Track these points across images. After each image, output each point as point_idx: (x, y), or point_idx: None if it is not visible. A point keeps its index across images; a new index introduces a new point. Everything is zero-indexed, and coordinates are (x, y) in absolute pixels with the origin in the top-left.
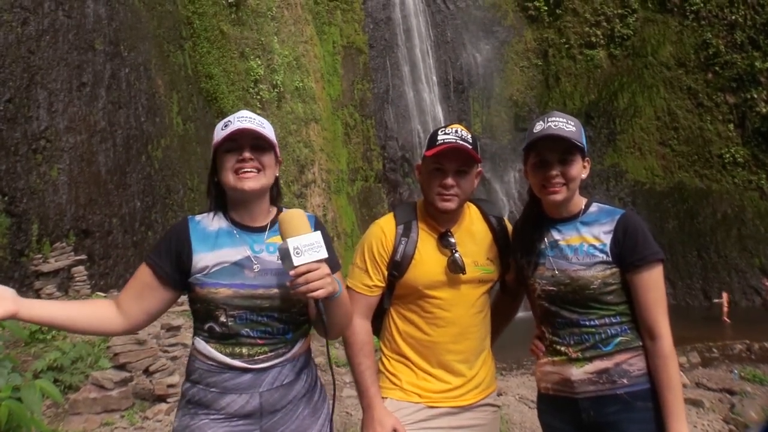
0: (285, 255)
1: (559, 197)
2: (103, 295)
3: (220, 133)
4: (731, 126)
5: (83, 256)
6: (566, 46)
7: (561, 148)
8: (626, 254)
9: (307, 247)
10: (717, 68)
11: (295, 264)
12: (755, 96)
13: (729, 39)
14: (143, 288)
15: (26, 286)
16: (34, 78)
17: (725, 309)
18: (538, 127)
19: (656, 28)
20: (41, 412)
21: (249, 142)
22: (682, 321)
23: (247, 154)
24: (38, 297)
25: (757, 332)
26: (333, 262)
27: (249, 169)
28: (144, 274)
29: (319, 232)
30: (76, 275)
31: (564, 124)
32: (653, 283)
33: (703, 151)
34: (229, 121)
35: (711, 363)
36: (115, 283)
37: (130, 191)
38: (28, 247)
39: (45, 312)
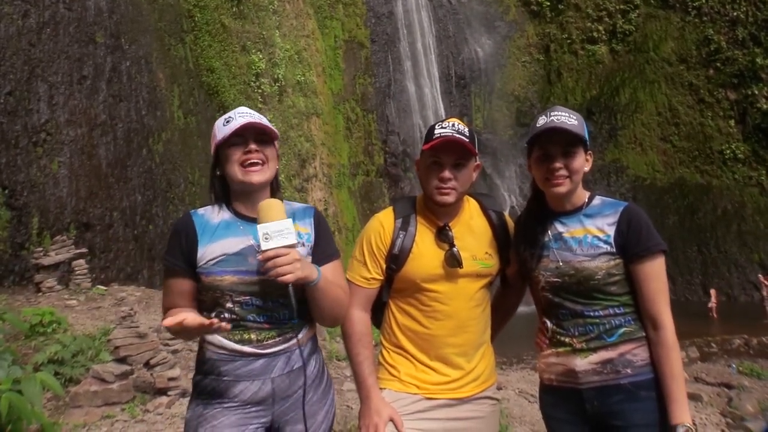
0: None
1: (562, 189)
2: (103, 288)
3: (223, 128)
4: (732, 122)
5: (84, 250)
6: (568, 41)
7: (564, 141)
8: (630, 245)
9: (276, 233)
10: (718, 64)
11: (263, 248)
12: (756, 92)
13: (730, 35)
14: (184, 294)
15: (26, 279)
16: (34, 71)
17: (713, 305)
18: (541, 120)
19: (658, 23)
20: (42, 404)
21: (253, 135)
22: (681, 316)
23: (252, 146)
24: (38, 290)
25: (756, 327)
26: (331, 251)
27: (255, 161)
28: (175, 284)
29: (290, 220)
30: (76, 268)
31: (567, 118)
32: (656, 273)
33: (704, 146)
34: (231, 117)
35: (710, 358)
36: (115, 276)
37: (131, 185)
38: (29, 241)
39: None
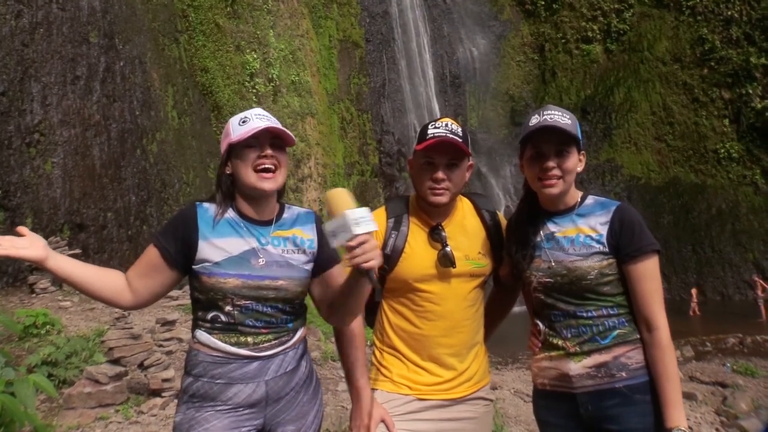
0: (341, 227)
1: (555, 190)
2: None
3: (239, 128)
4: (726, 121)
5: (78, 251)
6: (563, 40)
7: (557, 140)
8: (623, 245)
9: (362, 219)
10: (712, 64)
11: (356, 233)
12: (750, 91)
13: (724, 34)
14: (149, 268)
15: (20, 281)
16: (27, 71)
17: (694, 303)
18: (534, 120)
19: (652, 23)
20: (35, 406)
21: (269, 139)
22: (676, 315)
23: (268, 151)
24: (32, 292)
25: (750, 326)
26: (333, 259)
27: (269, 166)
28: (151, 255)
29: (367, 208)
30: None
31: (560, 117)
32: (649, 273)
33: (698, 146)
34: (247, 117)
35: (704, 356)
36: None
37: (125, 185)
38: None
39: (67, 267)
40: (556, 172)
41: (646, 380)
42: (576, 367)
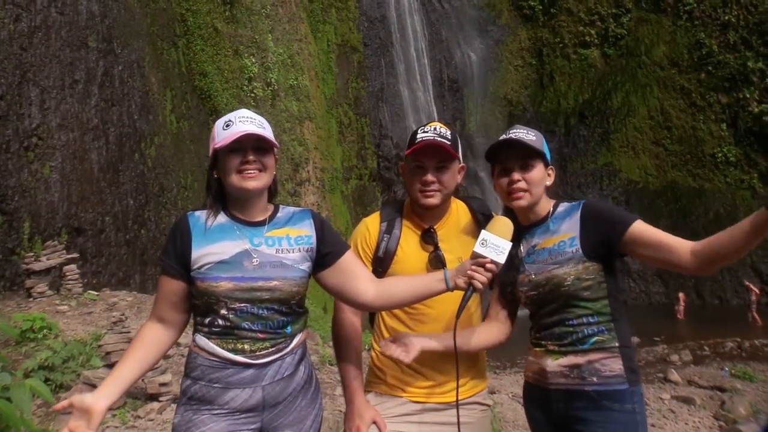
0: (493, 244)
1: (523, 203)
2: (95, 293)
3: (222, 133)
4: (724, 125)
5: (75, 255)
6: (560, 45)
7: (521, 154)
8: (607, 231)
9: (494, 246)
10: (710, 68)
11: (475, 250)
12: (747, 96)
13: (722, 39)
14: (171, 296)
15: (17, 285)
16: (26, 75)
17: (681, 307)
18: (501, 138)
19: (650, 27)
20: (31, 411)
21: (251, 144)
22: (673, 319)
23: (251, 157)
24: (29, 296)
25: (748, 330)
26: (343, 242)
27: (252, 171)
28: (165, 283)
29: (511, 244)
30: (68, 274)
31: (524, 134)
32: (647, 227)
33: (696, 150)
34: (231, 121)
35: (703, 361)
36: (107, 281)
37: (123, 189)
38: (20, 246)
39: (123, 384)
40: (522, 185)
41: (617, 389)
42: (552, 364)
